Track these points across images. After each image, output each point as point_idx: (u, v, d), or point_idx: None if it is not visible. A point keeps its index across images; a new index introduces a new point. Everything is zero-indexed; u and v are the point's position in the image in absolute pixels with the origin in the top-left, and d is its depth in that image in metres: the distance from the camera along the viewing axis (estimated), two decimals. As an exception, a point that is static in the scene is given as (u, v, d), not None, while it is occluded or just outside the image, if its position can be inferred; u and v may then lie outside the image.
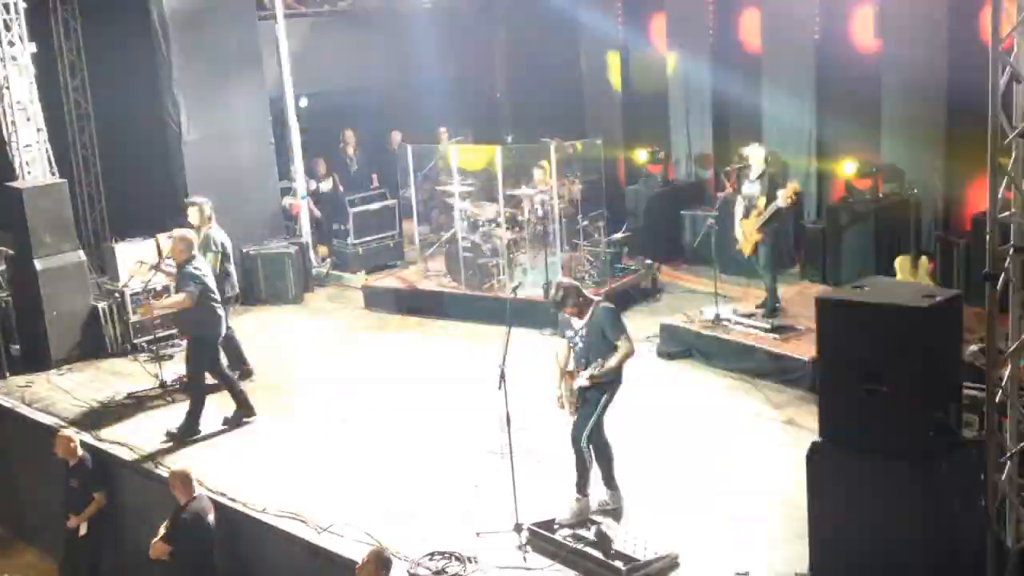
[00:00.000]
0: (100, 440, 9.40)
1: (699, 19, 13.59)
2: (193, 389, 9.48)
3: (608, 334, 7.24)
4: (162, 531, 7.86)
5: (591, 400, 7.34)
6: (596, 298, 7.51)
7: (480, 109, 16.27)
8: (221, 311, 9.52)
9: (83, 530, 8.86)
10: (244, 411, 9.51)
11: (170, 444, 9.15)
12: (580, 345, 7.35)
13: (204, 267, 9.47)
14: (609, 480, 7.56)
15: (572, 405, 7.43)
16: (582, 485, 7.46)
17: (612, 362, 7.18)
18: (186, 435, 9.25)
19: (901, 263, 10.23)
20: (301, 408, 9.91)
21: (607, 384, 7.30)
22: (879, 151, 11.86)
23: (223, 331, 9.66)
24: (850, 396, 5.69)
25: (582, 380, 7.27)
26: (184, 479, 7.85)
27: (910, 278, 9.97)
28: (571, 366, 7.48)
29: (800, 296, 11.18)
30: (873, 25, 11.81)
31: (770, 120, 12.90)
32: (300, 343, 11.81)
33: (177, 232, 9.55)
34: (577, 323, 7.39)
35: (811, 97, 12.51)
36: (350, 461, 8.69)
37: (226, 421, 9.47)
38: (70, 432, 9.24)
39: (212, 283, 9.44)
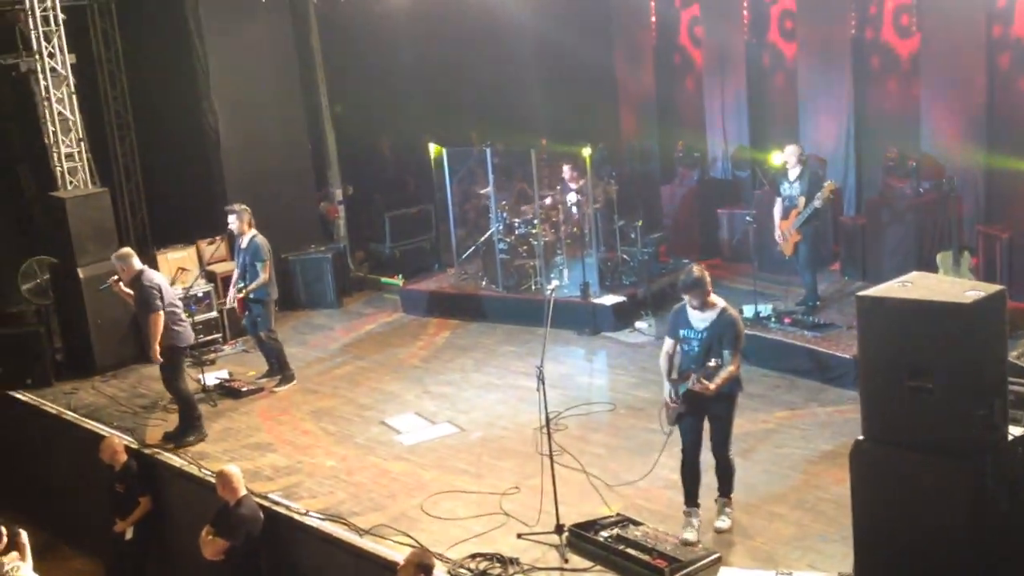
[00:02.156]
0: (145, 445, 9.51)
1: (734, 13, 13.50)
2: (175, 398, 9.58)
3: (726, 343, 6.92)
4: (205, 532, 7.91)
5: (725, 417, 7.13)
6: (723, 302, 7.14)
7: (514, 112, 16.27)
8: (181, 323, 9.42)
9: (129, 534, 8.96)
10: (194, 433, 9.42)
11: (218, 449, 9.25)
12: (696, 349, 7.01)
13: (155, 278, 9.41)
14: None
15: (672, 408, 7.15)
16: (726, 490, 7.27)
17: (721, 376, 6.85)
18: (185, 438, 9.35)
19: (943, 258, 10.11)
20: (341, 411, 9.96)
21: (734, 393, 7.12)
22: (919, 145, 11.73)
23: (185, 342, 9.54)
24: (893, 393, 5.63)
25: (698, 385, 6.89)
26: (234, 479, 7.91)
27: (952, 274, 9.85)
28: (674, 372, 7.17)
29: (840, 294, 11.09)
30: (911, 17, 11.68)
31: (807, 115, 12.80)
32: (339, 347, 11.88)
33: (116, 253, 9.50)
34: (698, 323, 7.04)
35: (848, 91, 12.39)
36: (390, 463, 8.72)
37: (167, 437, 9.48)
38: (115, 437, 9.36)
39: (168, 293, 9.41)
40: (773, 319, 10.25)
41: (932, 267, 10.22)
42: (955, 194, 10.49)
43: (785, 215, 10.52)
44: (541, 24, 15.14)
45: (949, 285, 6.21)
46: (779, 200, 10.65)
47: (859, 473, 5.92)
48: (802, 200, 10.32)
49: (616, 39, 15.07)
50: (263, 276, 10.37)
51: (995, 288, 5.69)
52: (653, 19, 14.52)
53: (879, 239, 11.49)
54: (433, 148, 12.86)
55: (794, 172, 10.50)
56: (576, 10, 14.38)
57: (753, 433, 8.59)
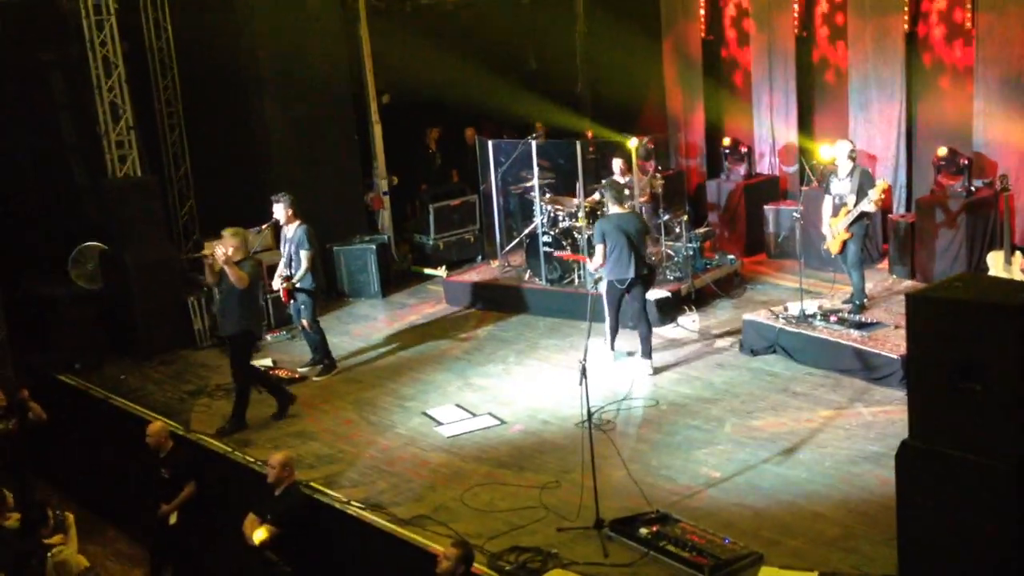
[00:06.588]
0: (190, 431, 9.62)
1: (785, 7, 13.35)
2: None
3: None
4: (252, 519, 7.93)
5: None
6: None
7: (562, 104, 16.23)
8: (259, 313, 9.65)
9: (173, 519, 9.06)
10: (236, 421, 9.52)
11: (261, 436, 9.32)
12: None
13: (249, 267, 9.49)
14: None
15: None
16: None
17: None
18: (235, 429, 9.47)
19: (994, 258, 9.94)
20: (382, 401, 10.01)
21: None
22: (971, 142, 11.54)
23: (258, 333, 9.69)
24: (942, 395, 5.54)
25: None
26: (292, 465, 7.97)
27: (1004, 274, 9.69)
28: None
29: (887, 292, 10.94)
30: (965, 13, 11.49)
31: (858, 112, 12.64)
32: (382, 337, 11.93)
33: (229, 230, 9.39)
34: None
35: (900, 87, 12.21)
36: (431, 454, 8.75)
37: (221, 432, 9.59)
38: (161, 422, 9.46)
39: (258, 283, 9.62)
40: (819, 317, 10.13)
41: (982, 267, 10.07)
42: (1008, 192, 10.30)
43: (835, 212, 10.38)
44: (586, 13, 15.08)
45: (1000, 286, 6.11)
46: (828, 197, 10.51)
47: (905, 475, 5.84)
48: (852, 198, 10.18)
49: (665, 31, 14.97)
50: (306, 264, 10.43)
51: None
52: (702, 12, 14.40)
53: (929, 238, 11.32)
54: (474, 137, 12.84)
55: (844, 169, 10.36)
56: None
57: (797, 432, 8.50)
